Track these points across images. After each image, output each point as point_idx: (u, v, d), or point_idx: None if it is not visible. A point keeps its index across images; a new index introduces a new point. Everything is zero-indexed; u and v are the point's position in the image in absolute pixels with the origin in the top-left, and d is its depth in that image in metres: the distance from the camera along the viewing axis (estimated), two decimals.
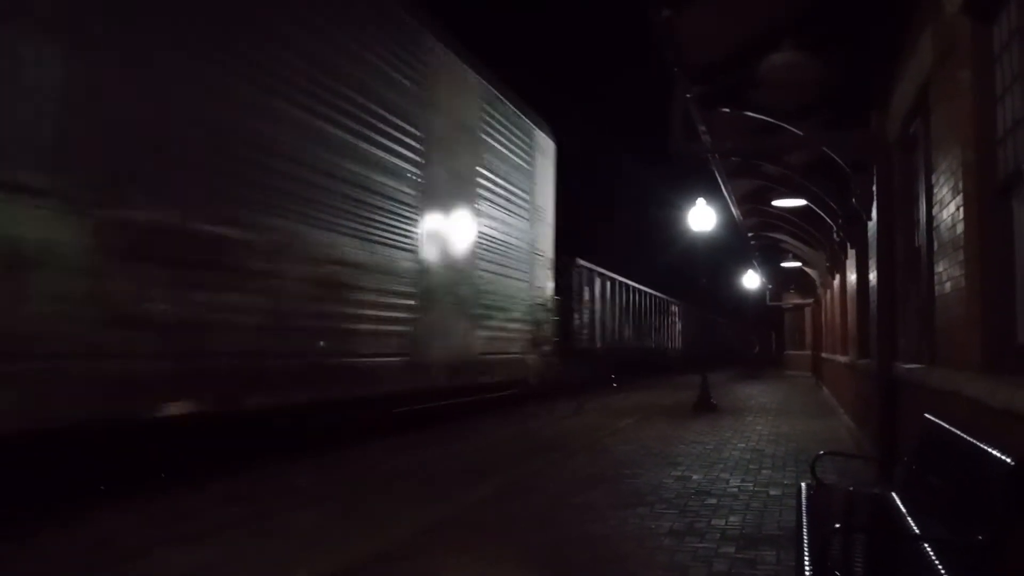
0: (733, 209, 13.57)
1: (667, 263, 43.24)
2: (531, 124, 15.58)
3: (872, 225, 7.75)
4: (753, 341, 44.73)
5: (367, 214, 9.30)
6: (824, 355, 21.44)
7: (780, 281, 29.68)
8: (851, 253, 11.09)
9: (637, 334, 30.41)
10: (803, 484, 4.29)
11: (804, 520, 3.59)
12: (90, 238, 5.73)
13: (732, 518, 5.84)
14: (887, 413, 6.87)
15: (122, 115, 6.03)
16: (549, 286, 17.17)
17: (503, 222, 13.92)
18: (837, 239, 12.01)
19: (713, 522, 5.70)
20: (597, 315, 24.07)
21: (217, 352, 7.00)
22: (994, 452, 2.75)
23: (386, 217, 9.74)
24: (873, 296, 7.74)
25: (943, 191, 4.63)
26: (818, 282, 20.84)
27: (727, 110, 8.06)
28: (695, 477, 7.59)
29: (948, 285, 4.53)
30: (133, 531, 5.72)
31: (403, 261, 10.20)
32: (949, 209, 4.43)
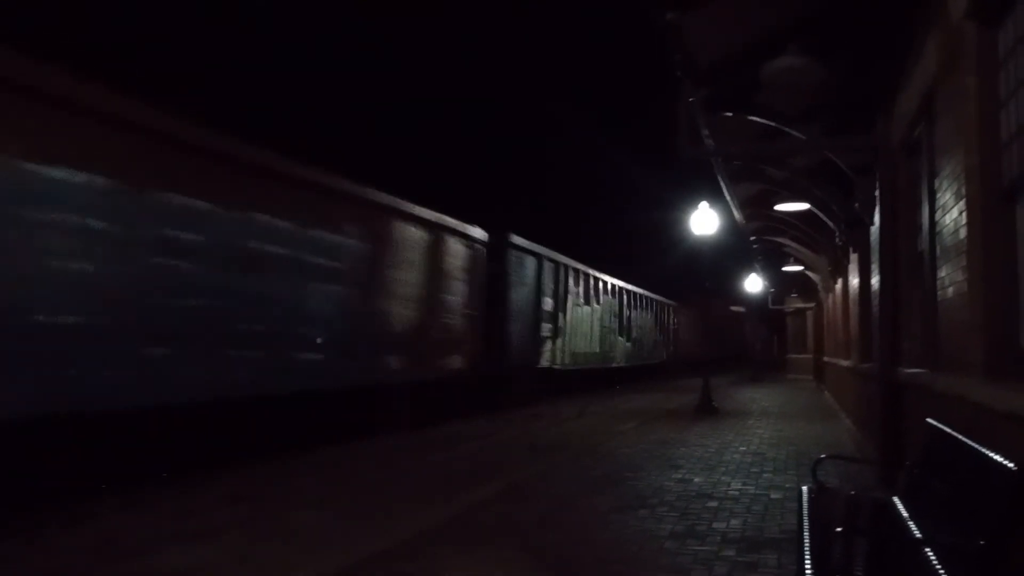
0: (736, 213, 13.57)
1: (671, 266, 43.05)
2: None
3: (875, 229, 7.75)
4: (755, 344, 44.30)
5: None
6: (826, 359, 21.42)
7: (782, 285, 29.64)
8: (853, 257, 11.08)
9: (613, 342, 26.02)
10: (804, 488, 4.30)
11: (805, 523, 3.60)
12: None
13: (733, 521, 5.84)
14: (889, 417, 6.86)
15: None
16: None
17: None
18: (840, 243, 12.00)
19: (714, 525, 5.71)
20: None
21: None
22: (996, 457, 2.75)
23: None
24: (875, 300, 7.74)
25: (946, 196, 4.63)
26: (820, 286, 20.82)
27: (730, 114, 8.06)
28: (696, 480, 7.59)
29: (951, 290, 4.53)
30: (137, 529, 5.74)
31: None
32: (952, 214, 4.44)
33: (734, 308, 43.85)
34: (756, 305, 35.71)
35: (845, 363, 13.40)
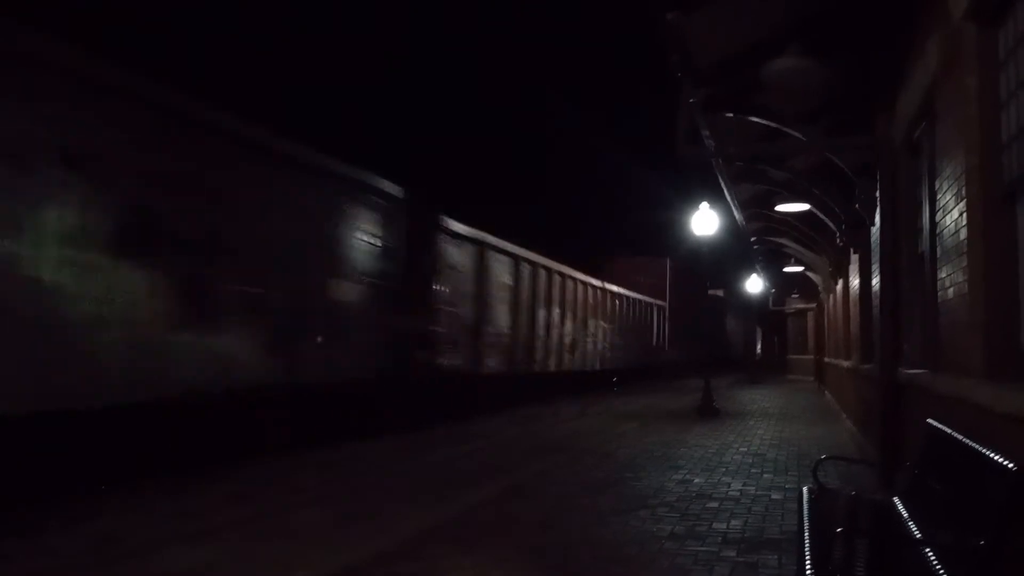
0: (736, 213, 13.56)
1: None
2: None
3: (875, 230, 7.75)
4: (748, 342, 43.00)
5: None
6: (827, 360, 21.41)
7: (783, 286, 29.63)
8: (854, 258, 11.08)
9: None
10: (805, 488, 4.30)
11: (806, 524, 3.60)
12: None
13: (734, 522, 5.84)
14: (890, 418, 6.86)
15: None
16: None
17: None
18: (840, 244, 12.00)
19: (715, 526, 5.70)
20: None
21: None
22: (996, 457, 2.75)
23: None
24: (876, 301, 7.74)
25: (947, 196, 4.63)
26: (821, 287, 20.82)
27: (731, 114, 8.06)
28: (697, 481, 7.59)
29: (951, 291, 4.53)
30: (138, 529, 5.74)
31: None
32: (953, 215, 4.44)
33: (712, 292, 34.43)
34: (743, 292, 30.06)
35: (846, 364, 13.40)
